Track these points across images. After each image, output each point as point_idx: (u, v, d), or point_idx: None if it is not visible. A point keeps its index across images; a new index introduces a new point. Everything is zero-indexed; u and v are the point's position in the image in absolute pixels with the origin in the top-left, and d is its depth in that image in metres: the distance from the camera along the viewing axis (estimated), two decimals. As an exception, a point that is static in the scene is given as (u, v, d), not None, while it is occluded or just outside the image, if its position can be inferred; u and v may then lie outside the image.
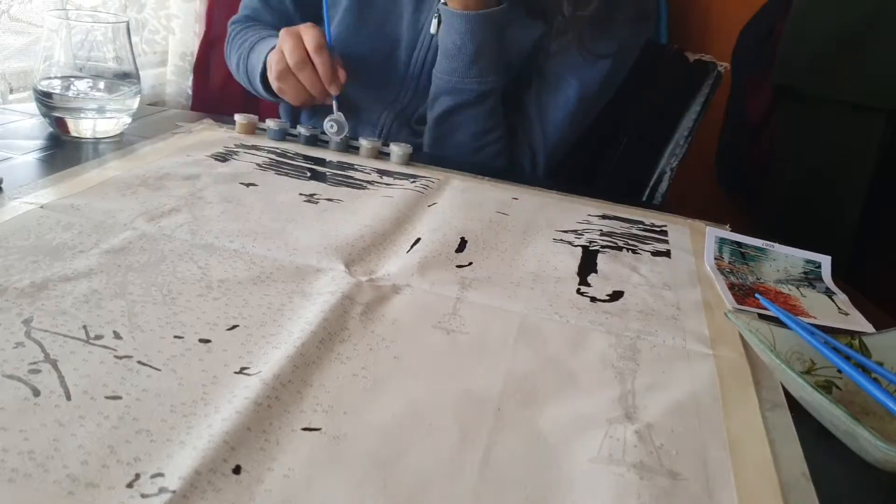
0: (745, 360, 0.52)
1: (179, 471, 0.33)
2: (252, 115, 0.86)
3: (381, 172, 0.79)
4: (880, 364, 0.50)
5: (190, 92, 1.52)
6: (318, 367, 0.43)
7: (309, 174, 0.75)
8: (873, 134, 1.46)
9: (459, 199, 0.75)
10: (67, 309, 0.44)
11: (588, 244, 0.69)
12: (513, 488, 0.36)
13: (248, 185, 0.69)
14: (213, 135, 0.83)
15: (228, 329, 0.45)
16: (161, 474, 0.32)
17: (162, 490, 0.32)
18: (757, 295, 0.62)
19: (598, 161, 1.13)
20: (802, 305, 0.62)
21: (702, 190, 1.70)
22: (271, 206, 0.65)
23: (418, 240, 0.63)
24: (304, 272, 0.54)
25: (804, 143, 1.58)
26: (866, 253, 1.50)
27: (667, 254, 0.70)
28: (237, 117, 0.85)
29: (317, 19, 1.02)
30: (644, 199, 1.07)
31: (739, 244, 0.73)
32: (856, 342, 0.51)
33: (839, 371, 0.49)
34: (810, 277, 0.70)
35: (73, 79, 0.75)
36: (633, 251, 0.69)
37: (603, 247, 0.69)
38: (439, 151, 0.94)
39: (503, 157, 0.95)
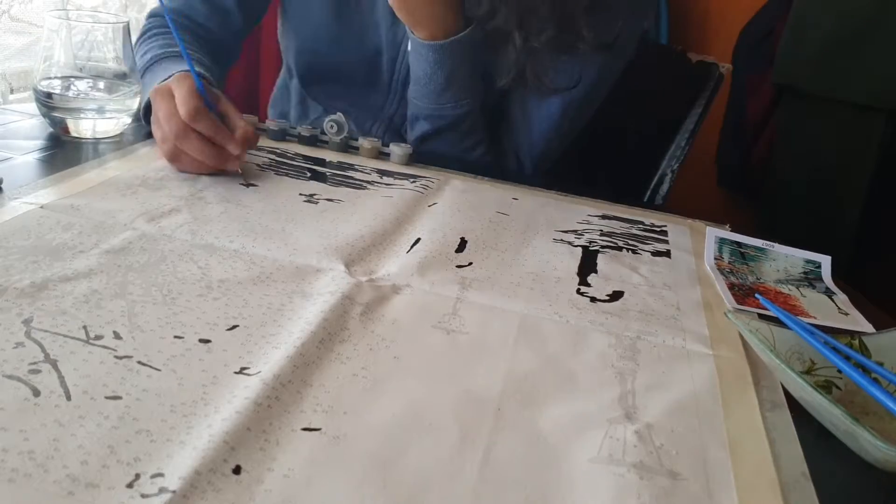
0: (745, 360, 0.52)
1: (179, 471, 0.33)
2: (252, 116, 0.86)
3: (381, 172, 0.79)
4: (880, 364, 0.50)
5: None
6: (318, 367, 0.43)
7: (309, 174, 0.75)
8: (873, 134, 1.46)
9: (459, 199, 0.75)
10: (67, 309, 0.44)
11: (588, 244, 0.69)
12: (513, 488, 0.36)
13: (247, 185, 0.69)
14: (213, 135, 0.83)
15: (228, 329, 0.45)
16: (161, 474, 0.32)
17: (162, 490, 0.32)
18: (757, 295, 0.62)
19: (598, 163, 1.13)
20: (802, 305, 0.62)
21: (702, 190, 1.70)
22: (271, 207, 0.65)
23: (418, 240, 0.63)
24: (304, 272, 0.54)
25: (804, 143, 1.58)
26: (866, 253, 1.50)
27: (667, 254, 0.70)
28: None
29: (256, 17, 0.96)
30: (645, 200, 1.07)
31: (739, 244, 0.73)
32: (856, 342, 0.51)
33: (839, 371, 0.49)
34: (810, 277, 0.70)
35: (73, 79, 0.75)
36: (633, 251, 0.69)
37: (603, 247, 0.69)
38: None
39: (490, 166, 0.93)
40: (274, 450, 0.36)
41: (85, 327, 0.42)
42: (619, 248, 0.69)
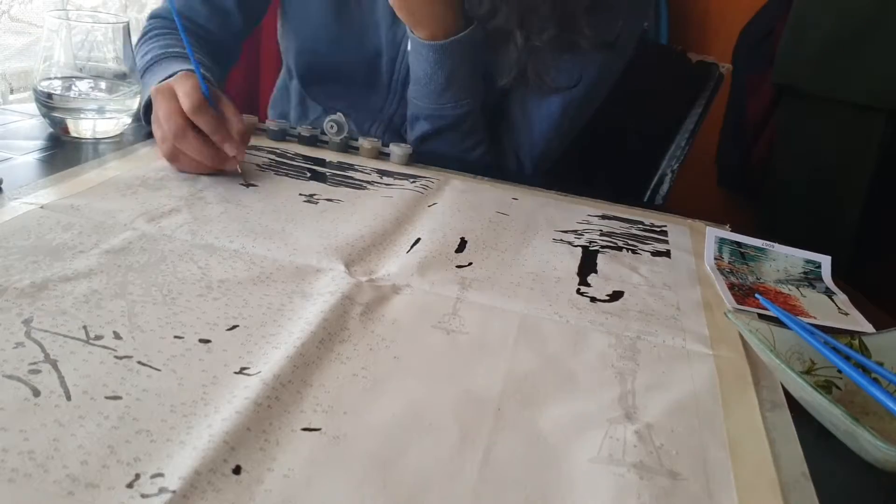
0: (745, 360, 0.52)
1: (179, 471, 0.33)
2: (252, 116, 0.86)
3: (381, 173, 0.79)
4: (880, 364, 0.50)
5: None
6: (318, 368, 0.43)
7: (309, 174, 0.75)
8: (873, 134, 1.46)
9: (459, 199, 0.75)
10: (67, 309, 0.44)
11: (588, 244, 0.69)
12: (513, 488, 0.36)
13: (248, 185, 0.69)
14: (213, 135, 0.83)
15: (228, 329, 0.45)
16: (161, 474, 0.32)
17: (162, 490, 0.32)
18: (757, 295, 0.62)
19: (598, 163, 1.13)
20: (802, 305, 0.62)
21: (702, 190, 1.70)
22: (271, 207, 0.65)
23: (418, 240, 0.63)
24: (304, 272, 0.54)
25: (804, 143, 1.58)
26: (866, 253, 1.50)
27: (667, 254, 0.70)
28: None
29: (256, 18, 0.96)
30: (645, 200, 1.07)
31: (739, 244, 0.73)
32: (856, 342, 0.51)
33: (839, 371, 0.49)
34: (810, 277, 0.70)
35: (73, 79, 0.75)
36: (633, 251, 0.69)
37: (603, 247, 0.69)
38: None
39: (490, 166, 0.93)
40: (274, 450, 0.36)
41: (85, 327, 0.42)
42: (619, 248, 0.69)
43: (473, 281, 0.57)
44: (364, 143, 0.84)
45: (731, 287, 0.64)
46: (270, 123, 0.85)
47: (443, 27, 0.82)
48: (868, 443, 0.40)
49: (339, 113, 0.85)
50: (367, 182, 0.76)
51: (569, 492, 0.36)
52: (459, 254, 0.62)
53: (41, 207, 0.57)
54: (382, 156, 0.85)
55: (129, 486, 0.32)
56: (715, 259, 0.69)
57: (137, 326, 0.43)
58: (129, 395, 0.37)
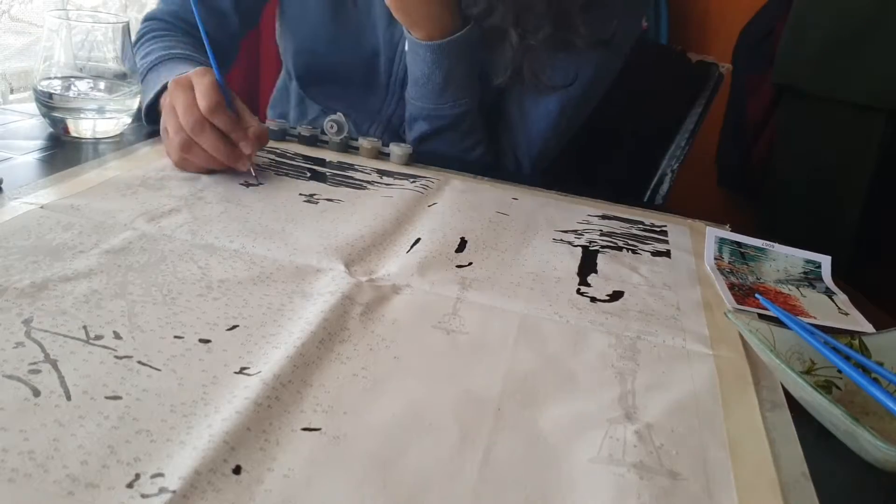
0: (745, 360, 0.52)
1: (179, 471, 0.33)
2: (256, 119, 0.86)
3: (381, 172, 0.79)
4: (880, 364, 0.50)
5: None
6: (318, 367, 0.43)
7: (309, 174, 0.75)
8: (873, 134, 1.46)
9: (459, 199, 0.75)
10: (67, 309, 0.44)
11: (588, 244, 0.69)
12: (513, 488, 0.36)
13: (248, 184, 0.69)
14: (213, 135, 0.83)
15: (228, 329, 0.45)
16: (161, 474, 0.32)
17: (162, 490, 0.32)
18: (757, 295, 0.62)
19: (598, 163, 1.13)
20: (802, 305, 0.62)
21: (702, 190, 1.70)
22: (271, 207, 0.65)
23: (418, 240, 0.63)
24: (304, 272, 0.54)
25: (804, 143, 1.58)
26: (866, 253, 1.50)
27: (667, 254, 0.70)
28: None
29: (256, 18, 0.96)
30: (645, 200, 1.07)
31: (739, 244, 0.73)
32: (856, 342, 0.51)
33: (839, 371, 0.49)
34: (810, 277, 0.70)
35: (73, 79, 0.75)
36: (633, 251, 0.69)
37: (603, 247, 0.69)
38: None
39: (489, 166, 0.93)
40: (274, 450, 0.36)
41: (85, 327, 0.42)
42: (619, 248, 0.69)
43: (473, 281, 0.57)
44: (364, 143, 0.84)
45: (731, 287, 0.64)
46: (270, 123, 0.84)
47: (439, 27, 0.82)
48: (868, 443, 0.40)
49: (339, 113, 0.85)
50: (367, 182, 0.76)
51: (569, 492, 0.36)
52: (459, 254, 0.62)
53: (41, 207, 0.57)
54: (382, 156, 0.85)
55: (129, 486, 0.32)
56: (715, 259, 0.69)
57: (137, 326, 0.43)
58: (129, 395, 0.37)
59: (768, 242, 0.74)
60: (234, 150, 0.68)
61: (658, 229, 0.76)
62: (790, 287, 0.66)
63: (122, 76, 0.76)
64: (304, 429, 0.37)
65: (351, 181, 0.75)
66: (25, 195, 0.59)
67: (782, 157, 1.62)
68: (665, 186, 1.07)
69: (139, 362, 0.40)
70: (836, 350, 0.49)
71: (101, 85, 0.76)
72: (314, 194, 0.70)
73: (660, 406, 0.44)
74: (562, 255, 0.65)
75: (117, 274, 0.49)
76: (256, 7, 0.96)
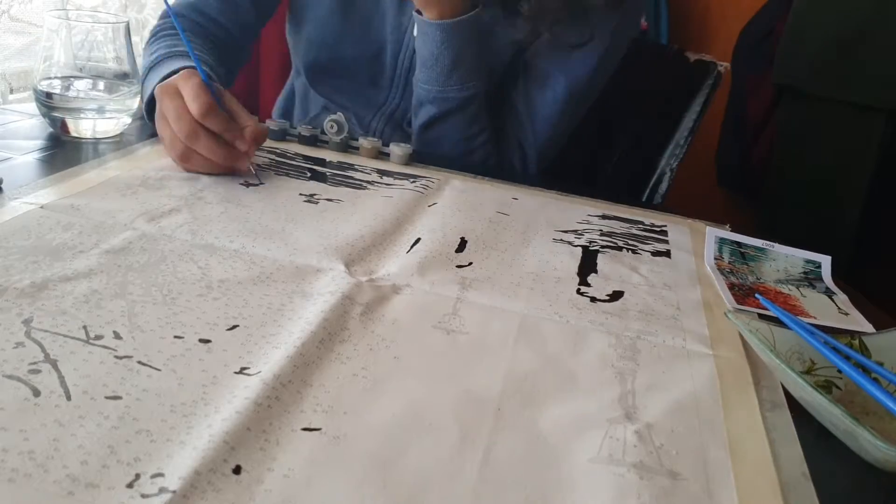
0: (745, 360, 0.52)
1: (179, 471, 0.33)
2: (252, 116, 0.86)
3: (381, 172, 0.79)
4: (880, 364, 0.50)
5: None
6: (318, 367, 0.43)
7: (309, 174, 0.75)
8: (873, 134, 1.46)
9: (459, 199, 0.75)
10: (67, 309, 0.44)
11: (588, 244, 0.69)
12: (513, 488, 0.36)
13: (248, 184, 0.69)
14: (213, 135, 0.83)
15: (228, 329, 0.45)
16: (161, 474, 0.32)
17: (162, 490, 0.32)
18: (757, 295, 0.62)
19: (598, 161, 1.13)
20: (802, 305, 0.62)
21: (702, 190, 1.70)
22: (271, 207, 0.65)
23: (418, 240, 0.63)
24: (304, 272, 0.54)
25: (804, 143, 1.58)
26: (866, 253, 1.50)
27: (667, 254, 0.70)
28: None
29: (272, 10, 0.97)
30: (644, 199, 1.07)
31: (739, 244, 0.73)
32: (856, 342, 0.51)
33: (839, 371, 0.49)
34: (810, 277, 0.70)
35: (73, 79, 0.75)
36: (633, 251, 0.69)
37: (603, 247, 0.69)
38: (428, 153, 0.93)
39: (493, 158, 0.94)
40: (274, 450, 0.36)
41: (85, 327, 0.42)
42: (619, 248, 0.69)
43: (473, 281, 0.57)
44: (364, 142, 0.84)
45: (731, 287, 0.64)
46: (270, 123, 0.84)
47: (450, 7, 0.84)
48: (868, 443, 0.40)
49: (339, 113, 0.85)
50: (368, 182, 0.76)
51: (569, 492, 0.36)
52: (459, 254, 0.62)
53: (41, 207, 0.57)
54: (382, 156, 0.85)
55: (129, 486, 0.32)
56: (715, 259, 0.69)
57: (137, 326, 0.43)
58: (129, 395, 0.37)
59: (768, 242, 0.74)
60: (232, 150, 0.68)
61: (658, 229, 0.76)
62: (790, 287, 0.66)
63: (122, 76, 0.76)
64: (304, 429, 0.37)
65: (351, 181, 0.75)
66: (25, 195, 0.59)
67: (782, 157, 1.62)
68: (664, 185, 1.07)
69: (139, 362, 0.40)
70: (836, 350, 0.49)
71: (101, 85, 0.76)
72: (314, 194, 0.70)
73: (660, 406, 0.44)
74: (562, 255, 0.65)
75: (117, 274, 0.49)
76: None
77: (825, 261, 0.72)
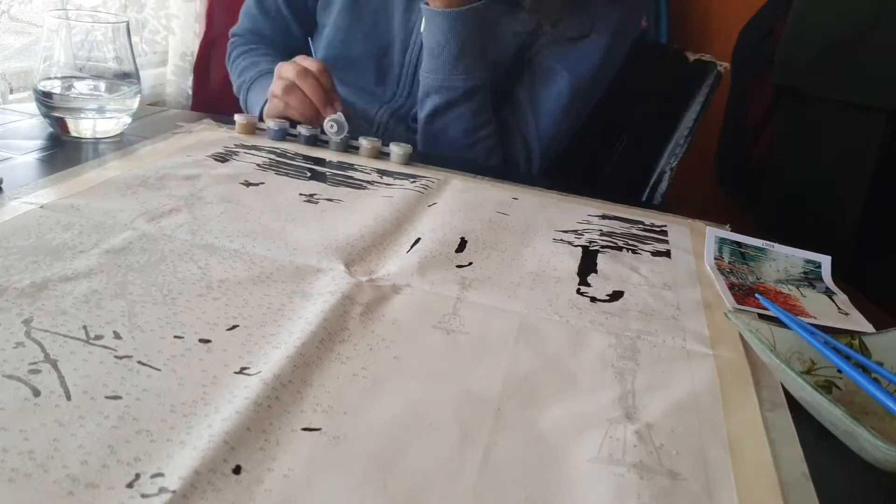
0: (745, 360, 0.52)
1: (179, 471, 0.33)
2: (252, 116, 0.87)
3: (381, 172, 0.79)
4: (880, 364, 0.50)
5: (190, 92, 1.52)
6: (318, 367, 0.43)
7: (309, 174, 0.75)
8: (873, 134, 1.46)
9: (459, 199, 0.75)
10: (67, 309, 0.44)
11: (588, 244, 0.69)
12: (513, 488, 0.36)
13: (248, 184, 0.69)
14: (213, 135, 0.83)
15: (228, 329, 0.45)
16: (161, 474, 0.32)
17: (162, 490, 0.32)
18: (757, 295, 0.62)
19: (597, 161, 1.13)
20: (802, 305, 0.62)
21: (702, 190, 1.70)
22: (271, 207, 0.65)
23: (418, 240, 0.63)
24: (304, 272, 0.54)
25: (804, 143, 1.58)
26: (866, 253, 1.50)
27: (667, 254, 0.70)
28: (237, 117, 0.85)
29: (311, 27, 1.05)
30: (644, 198, 1.07)
31: (739, 244, 0.73)
32: (856, 342, 0.51)
33: (839, 371, 0.49)
34: (810, 277, 0.70)
35: (73, 79, 0.75)
36: (633, 251, 0.69)
37: (603, 247, 0.69)
38: (432, 150, 0.94)
39: (497, 153, 0.95)
40: (274, 450, 0.36)
41: (85, 327, 0.42)
42: (619, 248, 0.69)
43: (473, 281, 0.57)
44: (364, 142, 0.84)
45: (731, 287, 0.64)
46: (270, 123, 0.85)
47: None
48: (868, 443, 0.40)
49: (339, 113, 0.85)
50: (367, 182, 0.76)
51: (569, 492, 0.36)
52: (459, 254, 0.62)
53: (41, 207, 0.57)
54: (382, 155, 0.85)
55: (129, 486, 0.32)
56: (715, 259, 0.69)
57: (137, 326, 0.43)
58: (129, 394, 0.37)
59: (768, 242, 0.74)
60: (328, 96, 0.84)
61: (658, 229, 0.76)
62: (790, 287, 0.66)
63: (122, 76, 0.76)
64: (304, 429, 0.37)
65: (351, 181, 0.75)
66: (25, 195, 0.59)
67: (782, 157, 1.62)
68: (664, 185, 1.07)
69: (139, 362, 0.40)
70: (836, 350, 0.49)
71: (101, 85, 0.76)
72: (314, 194, 0.70)
73: (660, 406, 0.44)
74: (562, 255, 0.65)
75: (117, 274, 0.49)
76: (308, 8, 1.03)
77: (825, 261, 0.72)
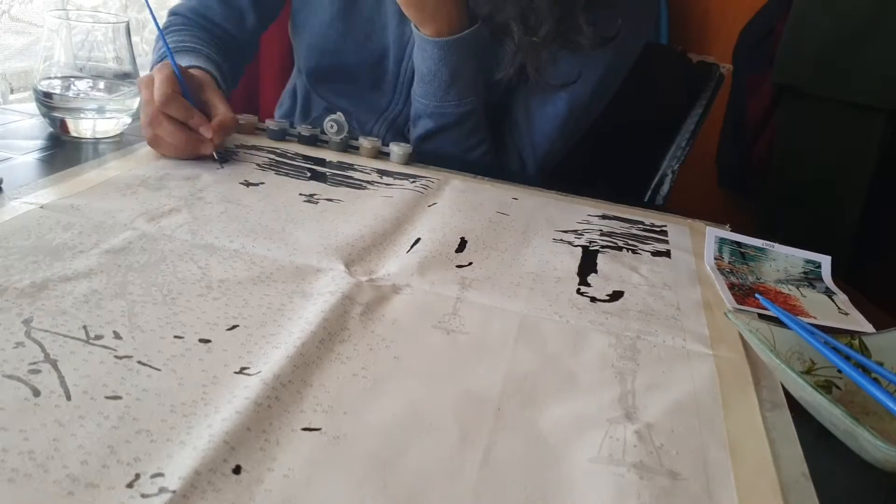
0: (745, 360, 0.52)
1: (179, 471, 0.33)
2: (251, 116, 0.86)
3: (381, 172, 0.79)
4: (880, 364, 0.50)
5: (190, 92, 1.51)
6: (318, 367, 0.43)
7: (309, 174, 0.75)
8: (873, 134, 1.46)
9: (459, 199, 0.75)
10: (67, 309, 0.44)
11: (588, 244, 0.69)
12: (513, 488, 0.36)
13: (248, 184, 0.69)
14: (213, 135, 0.83)
15: (228, 329, 0.45)
16: (161, 474, 0.32)
17: (162, 490, 0.32)
18: (757, 295, 0.62)
19: (599, 163, 1.13)
20: (802, 305, 0.62)
21: (702, 190, 1.70)
22: (271, 207, 0.65)
23: (418, 240, 0.63)
24: (304, 272, 0.54)
25: (804, 143, 1.58)
26: (866, 253, 1.50)
27: (667, 254, 0.70)
28: (237, 117, 0.85)
29: (268, 22, 0.99)
30: (645, 201, 1.07)
31: (739, 244, 0.73)
32: (856, 342, 0.51)
33: (839, 371, 0.49)
34: (810, 277, 0.70)
35: (73, 79, 0.75)
36: (633, 251, 0.69)
37: (603, 247, 0.69)
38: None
39: (491, 163, 0.94)
40: (274, 450, 0.36)
41: (85, 327, 0.42)
42: (619, 248, 0.69)
43: (473, 281, 0.57)
44: (364, 142, 0.84)
45: (731, 287, 0.64)
46: (270, 123, 0.85)
47: (448, 24, 0.83)
48: (868, 443, 0.40)
49: (339, 112, 0.85)
50: (367, 182, 0.76)
51: (569, 492, 0.36)
52: (459, 254, 0.62)
53: (41, 207, 0.57)
54: (382, 155, 0.85)
55: (129, 485, 0.32)
56: (715, 259, 0.69)
57: (137, 326, 0.43)
58: (129, 394, 0.37)
59: (768, 242, 0.74)
60: (193, 135, 0.72)
61: (658, 229, 0.76)
62: (790, 287, 0.66)
63: (123, 76, 0.76)
64: (304, 429, 0.37)
65: (351, 181, 0.75)
66: (25, 195, 0.59)
67: (782, 157, 1.63)
68: (665, 187, 1.07)
69: (139, 362, 0.40)
70: (836, 350, 0.49)
71: (101, 85, 0.76)
72: (314, 194, 0.70)
73: (660, 406, 0.44)
74: (562, 255, 0.65)
75: (117, 274, 0.49)
76: (274, 5, 0.99)
77: (825, 261, 0.72)
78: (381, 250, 0.60)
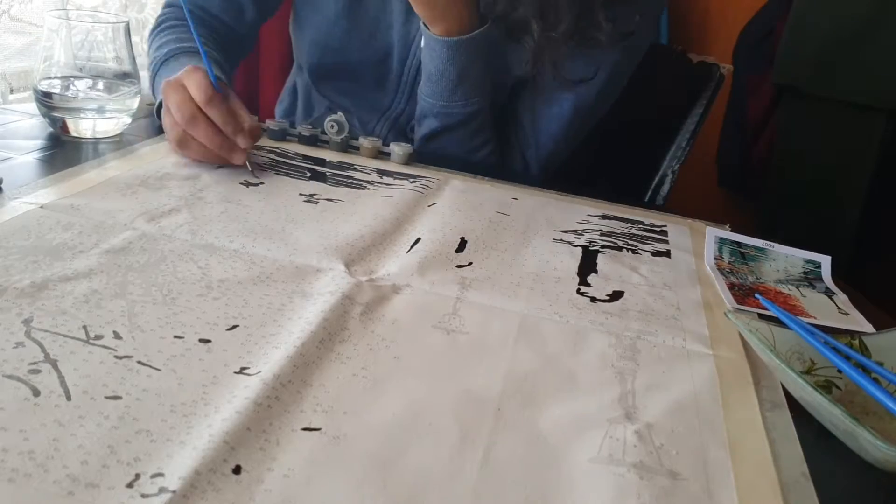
0: (745, 360, 0.52)
1: (179, 471, 0.33)
2: (252, 116, 0.86)
3: (381, 172, 0.79)
4: (880, 364, 0.50)
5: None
6: (318, 367, 0.43)
7: (309, 174, 0.75)
8: (873, 134, 1.46)
9: (459, 199, 0.75)
10: (67, 309, 0.44)
11: (588, 244, 0.69)
12: (513, 488, 0.36)
13: (248, 184, 0.69)
14: (213, 135, 0.83)
15: (228, 329, 0.45)
16: (161, 474, 0.32)
17: (162, 490, 0.32)
18: (757, 295, 0.62)
19: (599, 163, 1.13)
20: (802, 305, 0.62)
21: (702, 190, 1.70)
22: (271, 207, 0.65)
23: (418, 240, 0.63)
24: (304, 272, 0.54)
25: (804, 143, 1.58)
26: (866, 253, 1.50)
27: (667, 254, 0.70)
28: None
29: (267, 14, 0.97)
30: (646, 201, 1.07)
31: (739, 244, 0.73)
32: (856, 342, 0.51)
33: (839, 371, 0.49)
34: (810, 277, 0.70)
35: (73, 79, 0.75)
36: (633, 251, 0.69)
37: (603, 247, 0.69)
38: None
39: (495, 164, 0.94)
40: (274, 450, 0.36)
41: (85, 327, 0.42)
42: (619, 248, 0.69)
43: (473, 281, 0.57)
44: (364, 142, 0.84)
45: (731, 287, 0.64)
46: (270, 123, 0.85)
47: (458, 23, 0.83)
48: (868, 443, 0.40)
49: (339, 112, 0.85)
50: (368, 182, 0.76)
51: (569, 492, 0.36)
52: (459, 254, 0.62)
53: (41, 207, 0.57)
54: (382, 155, 0.85)
55: (129, 485, 0.32)
56: (715, 259, 0.69)
57: (137, 326, 0.43)
58: (129, 394, 0.37)
59: (768, 242, 0.74)
60: (228, 141, 0.69)
61: (658, 229, 0.76)
62: (790, 287, 0.66)
63: (122, 76, 0.76)
64: (304, 429, 0.37)
65: (351, 181, 0.75)
66: (25, 195, 0.59)
67: (782, 157, 1.63)
68: (666, 187, 1.07)
69: (139, 362, 0.40)
70: (836, 350, 0.49)
71: (101, 85, 0.76)
72: (314, 194, 0.70)
73: (660, 406, 0.44)
74: (562, 255, 0.65)
75: (117, 274, 0.49)
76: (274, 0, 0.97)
77: (825, 261, 0.72)
78: (381, 250, 0.60)
